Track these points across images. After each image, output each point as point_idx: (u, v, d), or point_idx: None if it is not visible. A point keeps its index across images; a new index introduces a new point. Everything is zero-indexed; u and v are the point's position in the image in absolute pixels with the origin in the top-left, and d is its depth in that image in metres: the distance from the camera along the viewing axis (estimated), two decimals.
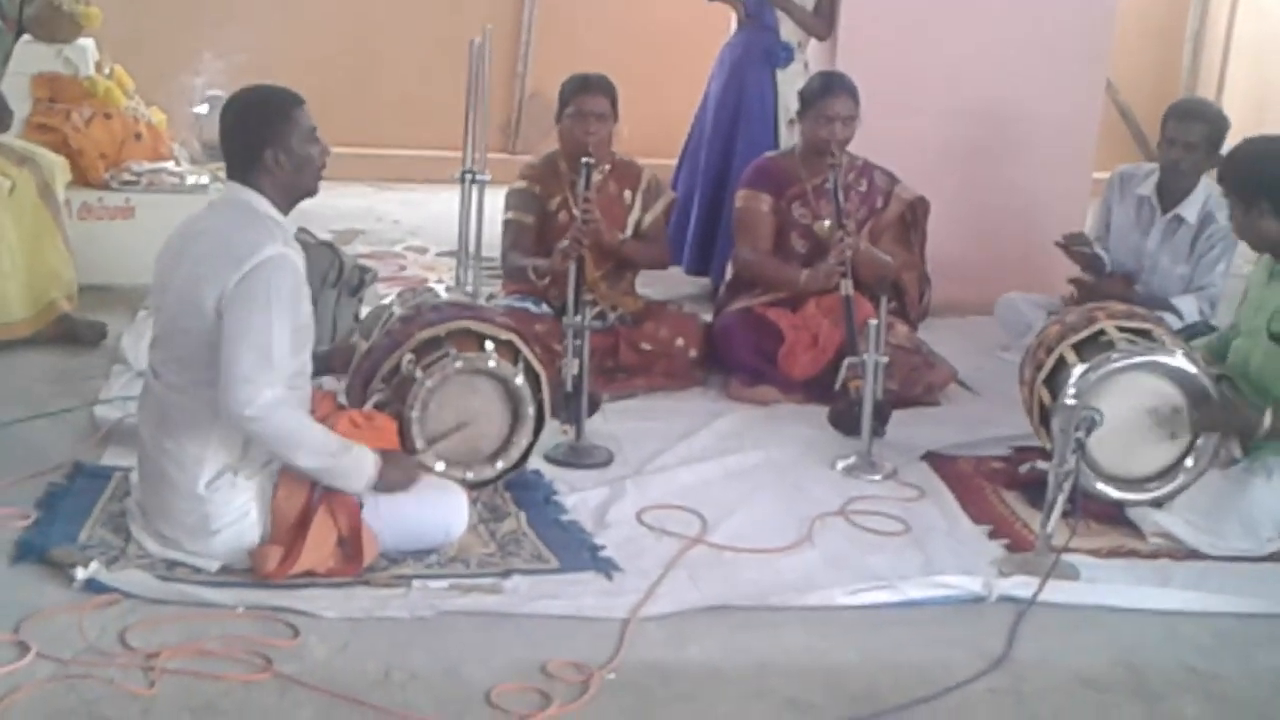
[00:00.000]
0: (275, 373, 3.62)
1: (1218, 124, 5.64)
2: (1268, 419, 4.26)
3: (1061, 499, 4.07)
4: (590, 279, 5.43)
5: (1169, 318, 5.27)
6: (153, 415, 3.82)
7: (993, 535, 4.37)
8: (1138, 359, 4.38)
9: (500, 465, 4.32)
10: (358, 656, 3.44)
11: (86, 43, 6.77)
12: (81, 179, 6.39)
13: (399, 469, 3.89)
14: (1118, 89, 9.45)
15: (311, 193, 3.89)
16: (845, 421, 5.04)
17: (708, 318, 5.85)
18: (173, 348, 3.77)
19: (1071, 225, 6.49)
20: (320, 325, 5.09)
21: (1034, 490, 4.44)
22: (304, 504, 3.75)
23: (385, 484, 3.82)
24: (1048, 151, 6.85)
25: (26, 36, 6.77)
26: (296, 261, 3.73)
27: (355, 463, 3.76)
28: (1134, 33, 9.39)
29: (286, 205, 3.82)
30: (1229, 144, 5.59)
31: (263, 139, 3.74)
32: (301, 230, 5.24)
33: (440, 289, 4.68)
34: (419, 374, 4.18)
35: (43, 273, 5.67)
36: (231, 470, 3.74)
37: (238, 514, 3.73)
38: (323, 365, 4.36)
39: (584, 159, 5.40)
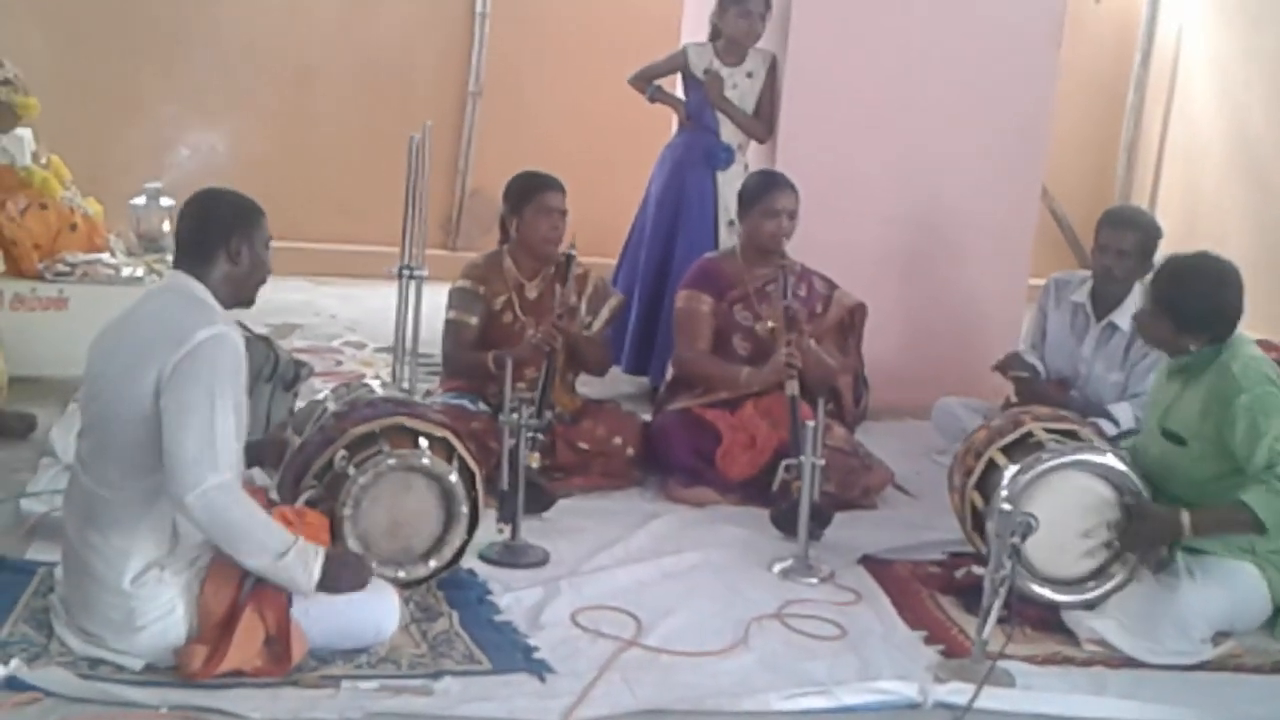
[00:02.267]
0: (221, 456, 3.57)
1: (1150, 232, 5.71)
2: (1185, 521, 4.31)
3: (997, 605, 4.06)
4: (529, 379, 5.41)
5: (1104, 424, 5.31)
6: (78, 509, 3.75)
7: (929, 641, 4.34)
8: (1067, 458, 4.42)
9: (433, 564, 4.27)
10: None
11: (24, 132, 6.71)
12: (15, 269, 6.32)
13: (348, 569, 3.82)
14: (1053, 196, 9.58)
15: (249, 302, 3.93)
16: (787, 522, 5.02)
17: (646, 417, 5.84)
18: (103, 438, 3.71)
19: (1008, 328, 6.56)
20: (255, 419, 5.03)
21: (970, 595, 4.44)
22: (231, 601, 3.67)
23: (332, 585, 3.75)
24: (984, 257, 6.92)
25: None
26: (237, 341, 3.71)
27: (302, 561, 3.68)
28: (1070, 141, 9.54)
29: (227, 303, 3.82)
30: (1161, 252, 5.71)
31: (229, 231, 3.78)
32: (237, 324, 5.20)
33: (376, 385, 4.65)
34: (351, 471, 4.13)
35: None
36: (158, 565, 3.66)
37: (163, 610, 3.65)
38: (254, 457, 4.33)
39: (567, 250, 5.48)
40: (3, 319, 5.92)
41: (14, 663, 3.57)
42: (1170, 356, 4.61)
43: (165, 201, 7.02)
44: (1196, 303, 4.47)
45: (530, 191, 5.66)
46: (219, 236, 3.78)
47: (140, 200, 7.05)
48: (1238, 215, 9.13)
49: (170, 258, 4.02)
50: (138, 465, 3.61)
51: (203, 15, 9.12)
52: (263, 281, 3.92)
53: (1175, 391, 4.53)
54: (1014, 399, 5.82)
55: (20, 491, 4.90)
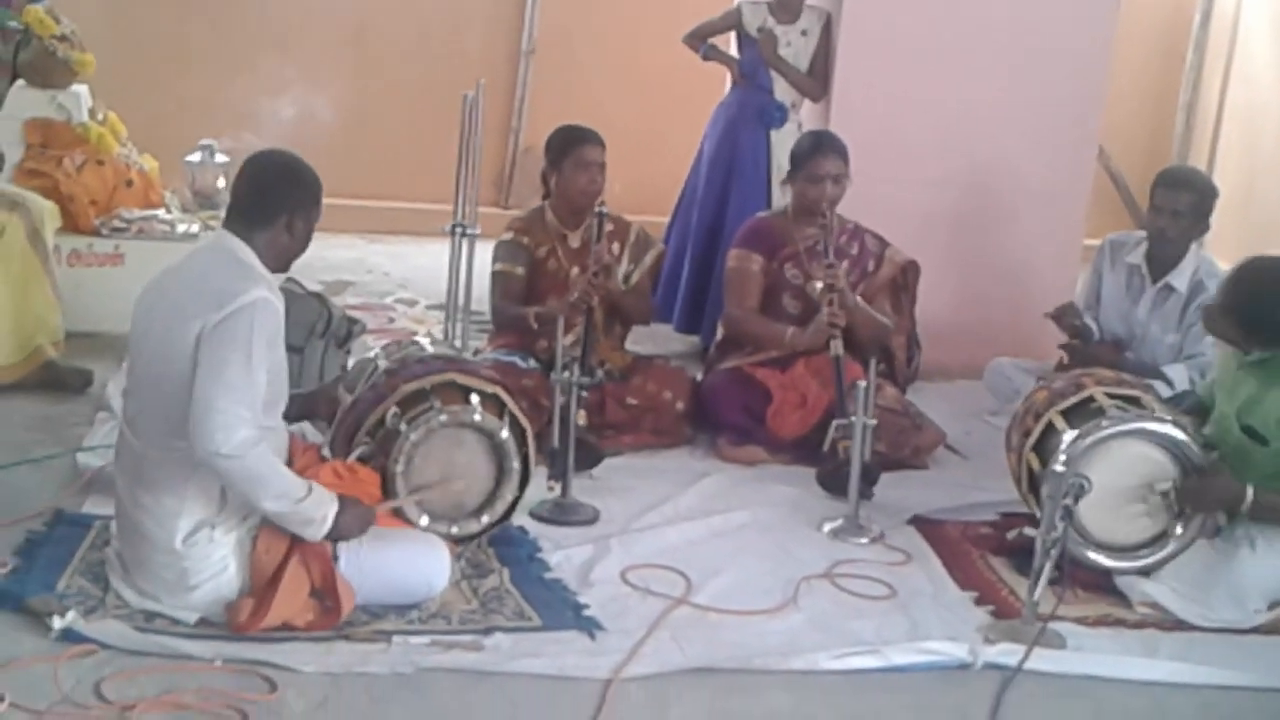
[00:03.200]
0: (250, 412, 3.58)
1: (1206, 193, 5.64)
2: (1249, 495, 4.27)
3: (1049, 566, 4.05)
4: (598, 327, 5.43)
5: (1159, 386, 5.27)
6: (128, 469, 3.79)
7: (979, 601, 4.34)
8: (1128, 426, 4.37)
9: (485, 520, 4.28)
10: (336, 712, 3.41)
11: (80, 89, 6.76)
12: (72, 225, 6.36)
13: (351, 515, 3.80)
14: (1110, 156, 9.48)
15: (285, 271, 3.97)
16: (833, 483, 5.02)
17: (697, 376, 5.83)
18: (148, 397, 3.74)
19: (1061, 291, 6.50)
20: (306, 375, 5.10)
21: (1021, 556, 4.42)
22: (284, 556, 3.71)
23: (338, 530, 3.75)
24: (1038, 217, 6.86)
25: (20, 82, 6.76)
26: (279, 307, 3.72)
27: (316, 507, 3.69)
28: (1127, 100, 9.44)
29: (271, 268, 3.84)
30: (1218, 212, 5.65)
31: (288, 203, 3.80)
32: (290, 280, 5.24)
33: (426, 342, 4.66)
34: (403, 427, 4.15)
35: (29, 318, 5.63)
36: (209, 525, 3.69)
37: (216, 568, 3.69)
38: (305, 410, 4.33)
39: (597, 208, 5.46)
40: (60, 274, 5.95)
41: (71, 615, 3.61)
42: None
43: (220, 158, 7.04)
44: (1270, 314, 4.39)
45: (569, 145, 5.66)
46: (280, 206, 3.79)
47: (195, 157, 7.08)
48: None
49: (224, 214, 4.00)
50: (183, 425, 3.60)
51: None
52: (298, 256, 3.94)
53: (1254, 388, 4.42)
54: (1066, 360, 5.79)
55: (77, 446, 4.95)
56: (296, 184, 3.85)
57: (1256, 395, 4.41)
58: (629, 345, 5.86)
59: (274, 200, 3.80)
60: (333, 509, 3.72)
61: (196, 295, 3.67)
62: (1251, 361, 4.46)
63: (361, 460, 4.10)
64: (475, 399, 4.25)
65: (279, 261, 3.87)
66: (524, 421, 4.34)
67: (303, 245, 3.89)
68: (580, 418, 4.82)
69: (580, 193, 5.61)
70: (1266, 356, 4.42)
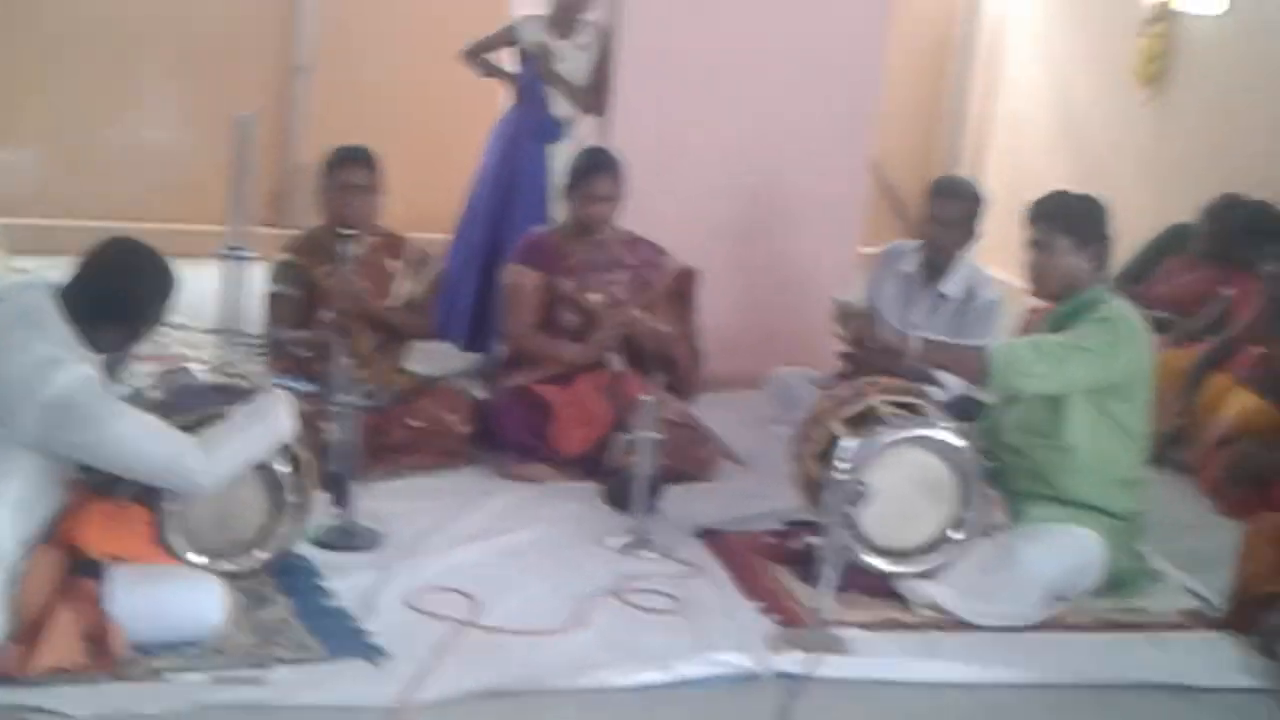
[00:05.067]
0: (172, 437, 3.72)
1: (976, 201, 5.79)
2: (916, 345, 4.61)
3: (832, 573, 4.10)
4: (360, 351, 5.33)
5: (933, 391, 5.37)
6: None
7: (766, 611, 4.37)
8: (906, 433, 4.45)
9: (261, 555, 4.17)
10: None
11: None
12: None
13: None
14: (883, 167, 9.66)
15: None
16: (619, 497, 5.01)
17: (482, 395, 5.78)
18: None
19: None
20: None
21: (806, 564, 4.46)
22: (48, 599, 3.57)
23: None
24: (815, 227, 6.94)
25: None
26: (88, 370, 3.67)
27: (271, 418, 3.99)
28: (900, 112, 9.62)
29: (92, 345, 3.76)
30: (989, 220, 5.80)
31: (150, 318, 3.92)
32: None
33: (198, 369, 4.53)
34: None
35: None
36: None
37: None
38: None
39: (341, 230, 5.33)
40: None
41: None
42: (1058, 301, 4.67)
43: None
44: (1088, 217, 4.62)
45: (330, 167, 5.57)
46: (137, 318, 3.86)
47: None
48: (1060, 184, 9.27)
49: None
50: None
51: None
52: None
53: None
54: (846, 368, 5.86)
55: None
56: (159, 300, 3.98)
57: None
58: (411, 366, 5.78)
59: (132, 309, 3.88)
60: (284, 408, 4.01)
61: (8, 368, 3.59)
62: (1057, 317, 4.65)
63: (133, 500, 3.95)
64: None
65: (103, 346, 3.84)
66: (302, 453, 4.23)
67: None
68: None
69: (334, 214, 5.51)
70: (1070, 307, 4.60)
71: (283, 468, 4.14)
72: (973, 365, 4.52)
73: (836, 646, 4.08)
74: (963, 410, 5.12)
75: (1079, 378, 4.45)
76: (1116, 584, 4.61)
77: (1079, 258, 4.57)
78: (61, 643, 3.53)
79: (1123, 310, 4.59)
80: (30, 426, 3.55)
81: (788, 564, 4.66)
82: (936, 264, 5.82)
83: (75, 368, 3.59)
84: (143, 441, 3.69)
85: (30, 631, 3.55)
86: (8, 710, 3.40)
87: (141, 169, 8.98)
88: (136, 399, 4.37)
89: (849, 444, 4.40)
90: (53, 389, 3.53)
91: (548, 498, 5.19)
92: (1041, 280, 4.67)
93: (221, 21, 9.31)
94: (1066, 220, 4.60)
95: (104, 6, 9.06)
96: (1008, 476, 4.64)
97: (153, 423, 3.74)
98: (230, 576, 4.04)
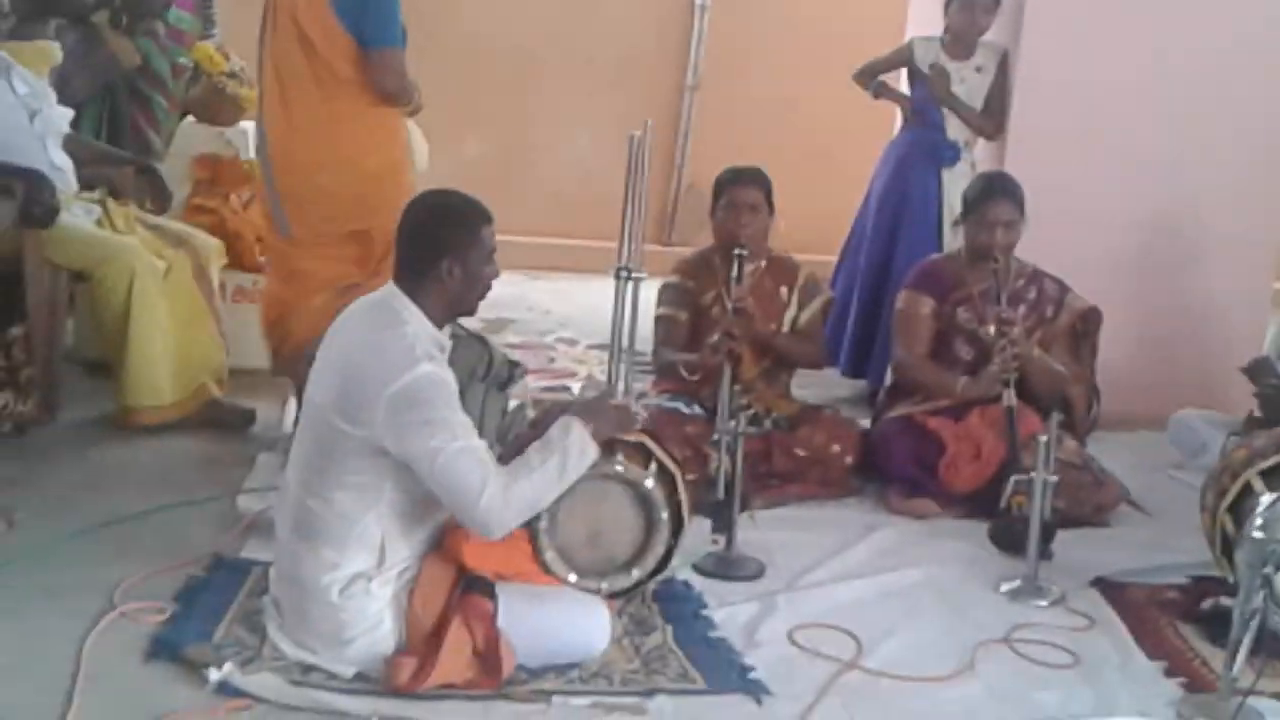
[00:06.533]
0: (482, 468, 3.51)
1: None
2: None
3: (1248, 637, 3.80)
4: (746, 378, 5.28)
5: None
6: (288, 518, 3.71)
7: (1169, 673, 4.08)
8: None
9: (636, 574, 4.12)
10: None
11: (248, 125, 6.78)
12: (237, 262, 6.38)
13: (604, 420, 3.84)
14: None
15: (471, 312, 3.82)
16: (1007, 540, 4.80)
17: (864, 423, 5.65)
18: (310, 450, 3.66)
19: (1248, 340, 6.21)
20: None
21: (1215, 625, 4.17)
22: (440, 613, 3.60)
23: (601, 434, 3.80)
24: (1225, 262, 6.57)
25: (190, 118, 6.83)
26: (439, 374, 3.59)
27: (580, 455, 3.71)
28: None
29: (443, 318, 3.73)
30: None
31: (442, 247, 3.65)
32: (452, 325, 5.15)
33: (577, 389, 4.53)
34: None
35: (194, 356, 5.65)
36: (366, 578, 3.59)
37: (372, 622, 3.59)
38: None
39: (736, 250, 5.27)
40: (225, 311, 5.96)
41: (228, 667, 3.54)
42: None
43: None
44: None
45: (722, 186, 5.53)
46: (431, 254, 3.65)
47: None
48: None
49: None
50: (344, 482, 3.56)
51: (425, 6, 9.16)
52: (483, 294, 3.80)
53: None
54: (1258, 413, 5.51)
55: (238, 488, 4.92)
56: (443, 224, 3.70)
57: None
58: (795, 392, 5.69)
59: (429, 243, 3.67)
60: (591, 447, 3.75)
61: (356, 368, 3.58)
62: None
63: None
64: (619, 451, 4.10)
65: (454, 307, 3.75)
66: (673, 468, 4.18)
67: (472, 287, 3.73)
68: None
69: (727, 233, 5.46)
70: None
71: (650, 482, 4.09)
72: None
73: (1251, 717, 3.78)
74: None
75: None
76: None
77: None
78: (455, 660, 3.56)
79: None
80: (379, 422, 3.50)
81: (1194, 623, 4.36)
82: None
83: (426, 366, 3.54)
84: (459, 459, 3.50)
85: (419, 645, 3.60)
86: None
87: (533, 184, 9.22)
88: (515, 418, 4.41)
89: (1268, 498, 4.09)
90: (401, 382, 3.49)
91: (934, 535, 5.02)
92: None
93: (619, 39, 9.49)
94: None
95: (505, 22, 9.35)
96: None
97: (480, 449, 3.56)
98: (606, 596, 4.01)
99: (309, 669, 3.61)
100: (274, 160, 5.07)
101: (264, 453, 5.28)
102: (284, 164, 5.04)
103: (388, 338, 3.59)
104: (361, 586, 3.58)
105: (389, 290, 3.72)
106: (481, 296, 3.80)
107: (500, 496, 3.51)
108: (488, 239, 3.74)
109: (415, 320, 3.64)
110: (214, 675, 3.52)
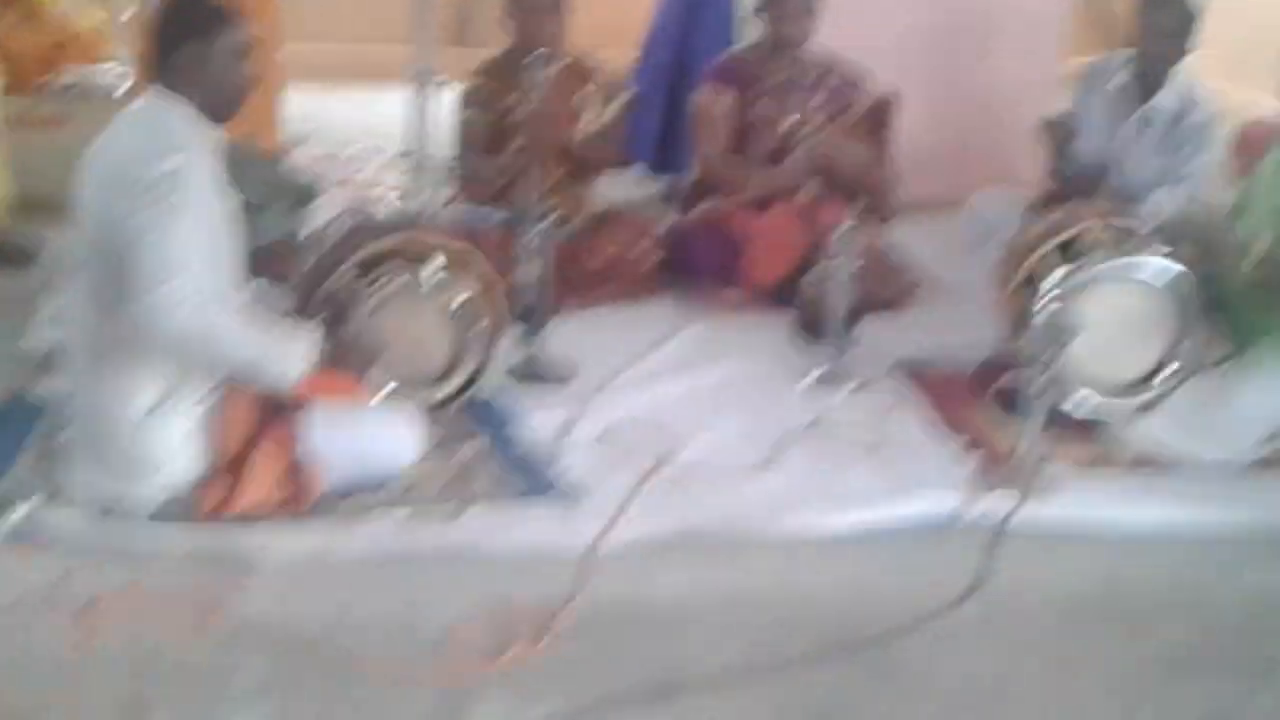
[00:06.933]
0: (189, 278, 3.33)
1: (1190, 12, 5.42)
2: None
3: (1040, 409, 3.92)
4: (549, 180, 5.22)
5: (1147, 212, 5.10)
6: (83, 344, 3.57)
7: (970, 447, 4.20)
8: (1120, 261, 4.22)
9: (452, 384, 4.12)
10: (309, 599, 3.29)
11: None
12: (14, 87, 6.08)
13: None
14: None
15: (229, 117, 3.62)
16: (813, 328, 4.87)
17: (671, 219, 5.64)
18: (93, 267, 3.50)
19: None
20: (262, 235, 4.87)
21: (1012, 400, 4.29)
22: (247, 435, 3.55)
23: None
24: (1016, 41, 6.61)
25: None
26: (198, 171, 3.44)
27: (280, 362, 3.51)
28: None
29: (212, 116, 3.56)
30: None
31: (178, 44, 3.49)
32: (245, 138, 5.00)
33: (392, 196, 4.45)
34: (362, 291, 3.97)
35: None
36: (166, 403, 3.49)
37: (177, 447, 3.51)
38: (259, 267, 4.06)
39: (534, 52, 5.17)
40: (4, 139, 5.69)
41: (24, 507, 3.47)
42: None
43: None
44: None
45: None
46: (170, 50, 3.49)
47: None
48: None
49: None
50: (127, 296, 3.38)
51: None
52: (239, 95, 3.59)
53: None
54: (1053, 188, 5.60)
55: (29, 322, 4.73)
56: (179, 21, 3.53)
57: None
58: (599, 192, 5.65)
59: (164, 45, 3.51)
60: (304, 353, 3.55)
61: (118, 164, 3.43)
62: None
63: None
64: (439, 260, 4.05)
65: (221, 103, 3.56)
66: (492, 280, 4.14)
67: (229, 79, 3.54)
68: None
69: (525, 36, 5.33)
70: None
71: (468, 295, 4.05)
72: None
73: (1045, 485, 3.92)
74: (1178, 234, 4.83)
75: None
76: None
77: None
78: (262, 482, 3.52)
79: None
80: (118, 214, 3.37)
81: (994, 398, 4.47)
82: (1149, 79, 5.48)
83: (174, 158, 3.40)
84: (165, 251, 3.31)
85: (226, 472, 3.54)
86: (205, 552, 3.41)
87: None
88: (326, 228, 4.31)
89: (1059, 273, 4.19)
90: (150, 176, 3.36)
91: (741, 329, 5.06)
92: None
93: None
94: None
95: None
96: (1235, 304, 4.37)
97: (190, 254, 3.35)
98: (420, 408, 3.98)
99: (110, 505, 3.52)
100: None
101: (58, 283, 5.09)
102: None
103: (153, 132, 3.46)
104: (162, 412, 3.49)
105: (150, 94, 3.57)
106: (241, 96, 3.61)
107: (198, 309, 3.34)
108: (232, 34, 3.54)
109: (179, 114, 3.51)
110: (10, 517, 3.44)
